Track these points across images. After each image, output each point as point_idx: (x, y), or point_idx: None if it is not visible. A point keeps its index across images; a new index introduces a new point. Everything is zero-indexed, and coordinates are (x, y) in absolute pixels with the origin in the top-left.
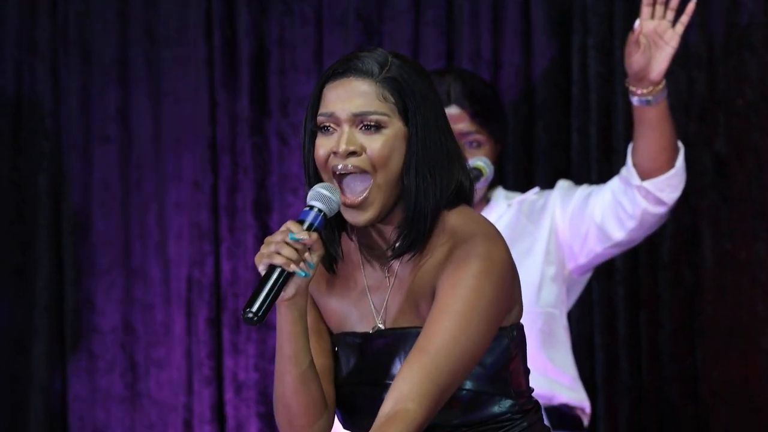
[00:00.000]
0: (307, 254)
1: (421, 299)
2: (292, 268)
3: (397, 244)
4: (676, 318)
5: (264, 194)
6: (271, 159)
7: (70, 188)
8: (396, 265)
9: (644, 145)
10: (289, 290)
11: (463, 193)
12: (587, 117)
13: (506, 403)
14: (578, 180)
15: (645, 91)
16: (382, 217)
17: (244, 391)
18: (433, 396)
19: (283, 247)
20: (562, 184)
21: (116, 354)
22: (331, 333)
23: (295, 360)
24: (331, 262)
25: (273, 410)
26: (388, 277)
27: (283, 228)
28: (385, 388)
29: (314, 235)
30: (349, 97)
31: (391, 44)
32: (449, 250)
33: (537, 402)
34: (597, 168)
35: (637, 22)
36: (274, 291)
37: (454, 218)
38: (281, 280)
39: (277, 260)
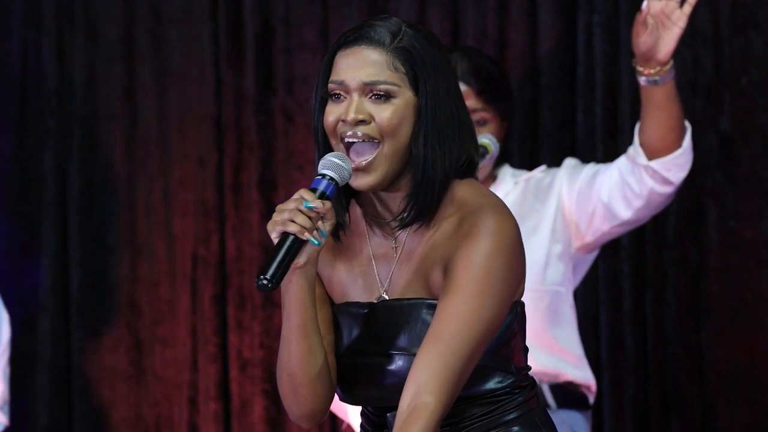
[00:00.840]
0: (320, 222)
1: (430, 270)
2: (306, 236)
3: (404, 214)
4: (682, 297)
5: (269, 172)
6: (276, 137)
7: (76, 166)
8: (403, 235)
9: (651, 125)
10: (301, 258)
11: (473, 166)
12: (592, 96)
13: (506, 379)
14: (584, 159)
15: (652, 71)
16: (388, 185)
17: (249, 368)
18: (451, 383)
19: (297, 214)
20: (569, 162)
21: (121, 331)
22: (332, 304)
23: (303, 329)
24: (337, 229)
25: (277, 382)
26: (395, 248)
27: (295, 196)
28: (389, 358)
29: (327, 204)
30: (360, 65)
31: None
32: (458, 221)
33: (533, 379)
34: (602, 147)
35: (645, 3)
36: (287, 258)
37: (463, 190)
38: (294, 247)
39: (291, 228)
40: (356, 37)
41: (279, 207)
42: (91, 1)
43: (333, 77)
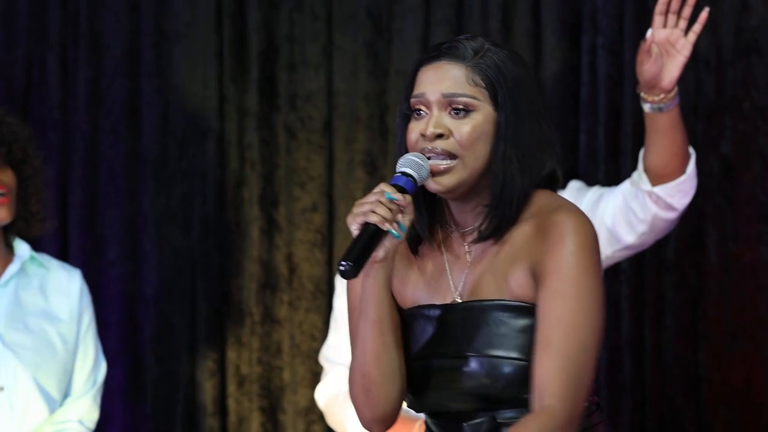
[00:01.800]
0: (399, 215)
1: (509, 271)
2: (387, 226)
3: (482, 228)
4: (680, 320)
5: (270, 188)
6: (278, 153)
7: (78, 179)
8: (478, 240)
9: (656, 151)
10: (380, 251)
11: (555, 179)
12: (596, 118)
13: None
14: (586, 181)
15: (657, 98)
16: (464, 194)
17: (247, 384)
18: (572, 386)
19: (378, 205)
20: (574, 185)
21: (120, 346)
22: (400, 309)
23: (379, 325)
24: (415, 243)
25: (348, 385)
26: (468, 253)
27: (376, 189)
28: (464, 360)
29: (408, 197)
30: (440, 79)
31: (401, 41)
32: (536, 223)
33: (599, 403)
34: (604, 169)
35: (649, 31)
36: (369, 247)
37: (540, 196)
38: (375, 237)
39: (373, 218)
40: (438, 53)
41: (359, 201)
42: (96, 15)
43: (414, 91)
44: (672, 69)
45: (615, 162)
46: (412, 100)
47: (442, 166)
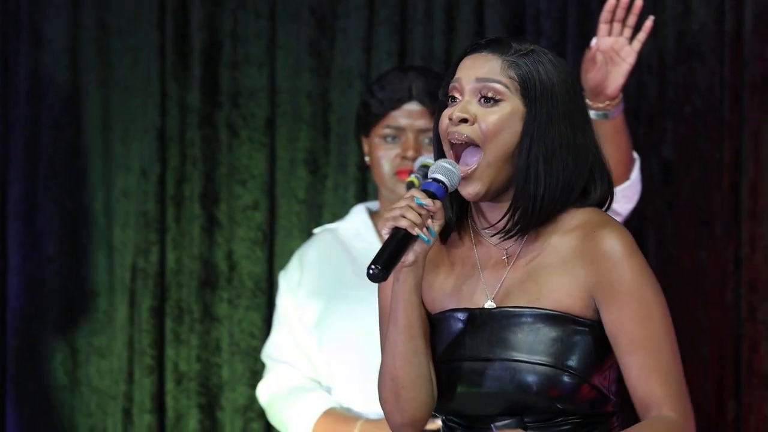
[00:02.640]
0: (429, 221)
1: (551, 282)
2: (416, 231)
3: (505, 225)
4: None
5: (212, 185)
6: (220, 151)
7: (17, 174)
8: (516, 245)
9: None
10: (410, 256)
11: (595, 196)
12: None
13: (605, 401)
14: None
15: (602, 105)
16: (493, 195)
17: (185, 381)
18: (684, 396)
19: (408, 210)
20: None
21: (58, 341)
22: (428, 312)
23: (409, 330)
24: (446, 235)
25: (378, 389)
26: (507, 258)
27: (407, 195)
28: (491, 363)
29: (438, 203)
30: (477, 66)
31: (345, 41)
32: (584, 239)
33: (619, 407)
34: None
35: (594, 39)
36: (398, 251)
37: (586, 212)
38: (405, 241)
39: (402, 223)
40: (482, 45)
41: (390, 206)
42: (37, 8)
43: (454, 78)
44: (617, 76)
45: None
46: (449, 87)
47: (469, 170)
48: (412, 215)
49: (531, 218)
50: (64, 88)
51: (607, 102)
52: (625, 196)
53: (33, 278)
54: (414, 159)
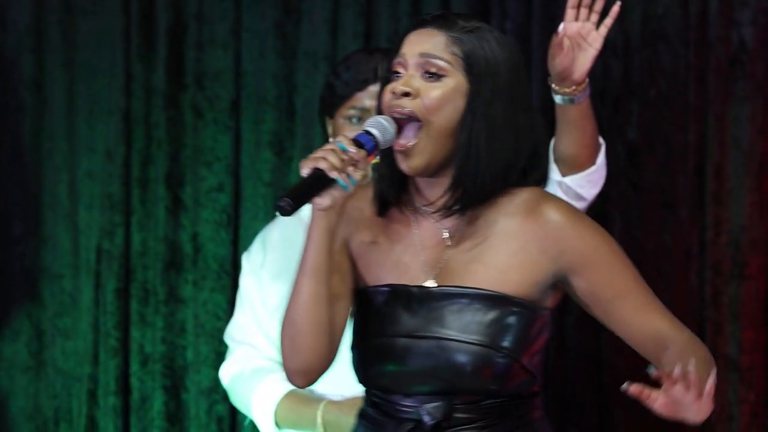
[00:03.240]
0: (350, 168)
1: (499, 263)
2: (334, 174)
3: (446, 201)
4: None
5: (177, 167)
6: (185, 132)
7: None
8: (457, 224)
9: (566, 142)
10: (326, 199)
11: (533, 177)
12: None
13: (533, 383)
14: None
15: (568, 90)
16: (433, 172)
17: (150, 363)
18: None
19: (330, 153)
20: None
21: (22, 322)
22: (365, 287)
23: (313, 274)
24: (382, 204)
25: (280, 334)
26: (449, 237)
27: (335, 139)
28: (427, 341)
29: (362, 152)
30: (421, 41)
31: (310, 23)
32: (524, 217)
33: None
34: None
35: (561, 25)
36: (311, 190)
37: (527, 191)
38: (321, 182)
39: (322, 164)
40: (427, 20)
41: (316, 150)
42: None
43: (398, 54)
44: (583, 62)
45: None
46: (393, 62)
47: (408, 144)
48: (333, 158)
49: (471, 196)
50: (28, 70)
51: (574, 87)
52: (590, 181)
53: None
54: None
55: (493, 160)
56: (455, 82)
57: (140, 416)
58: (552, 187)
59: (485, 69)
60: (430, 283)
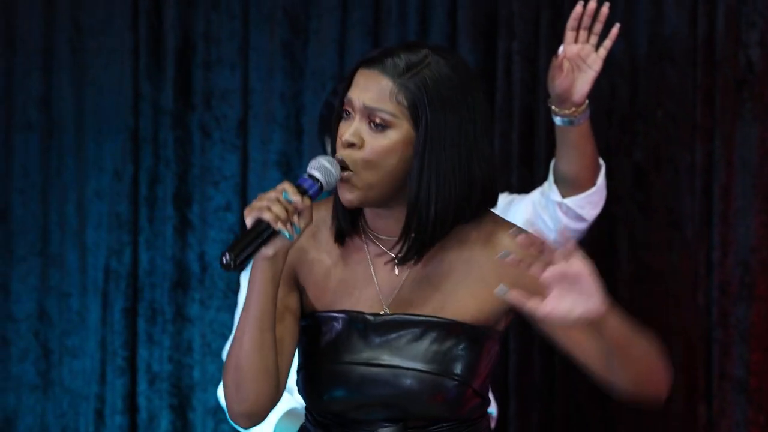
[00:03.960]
0: (296, 217)
1: (454, 292)
2: (279, 226)
3: (402, 253)
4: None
5: (184, 186)
6: (193, 152)
7: None
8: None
9: (566, 163)
10: (270, 249)
11: (490, 199)
12: (510, 123)
13: (482, 406)
14: (499, 184)
15: (568, 111)
16: (377, 204)
17: (158, 382)
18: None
19: (275, 203)
20: None
21: (30, 341)
22: (315, 311)
23: (259, 321)
24: (341, 235)
25: (222, 376)
26: (396, 266)
27: (278, 187)
28: (380, 369)
29: (307, 201)
30: (367, 88)
31: (318, 42)
32: (480, 247)
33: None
34: (518, 174)
35: (561, 47)
36: (256, 243)
37: (483, 218)
38: (265, 235)
39: (266, 215)
40: (375, 59)
41: (260, 195)
42: (11, 8)
43: (348, 93)
44: (583, 84)
45: (528, 167)
46: (345, 100)
47: (347, 174)
48: (277, 209)
49: (424, 244)
50: (37, 88)
51: (573, 109)
52: (591, 202)
53: (4, 278)
54: None
55: (443, 206)
56: (401, 133)
57: None
58: (551, 209)
59: (432, 113)
60: (384, 311)
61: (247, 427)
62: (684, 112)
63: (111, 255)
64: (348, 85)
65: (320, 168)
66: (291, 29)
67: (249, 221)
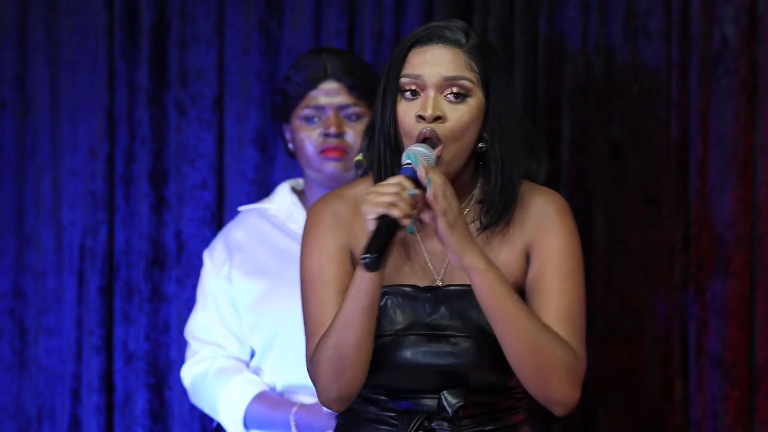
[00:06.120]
0: (415, 211)
1: (498, 260)
2: (406, 222)
3: (486, 217)
4: None
5: (160, 165)
6: (168, 130)
7: None
8: None
9: None
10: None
11: (540, 174)
12: None
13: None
14: None
15: None
16: (453, 178)
17: (134, 361)
18: (583, 345)
19: (400, 199)
20: None
21: (5, 320)
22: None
23: (369, 311)
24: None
25: (315, 362)
26: (480, 232)
27: (394, 181)
28: (440, 339)
29: (422, 192)
30: (439, 62)
31: (293, 20)
32: (520, 212)
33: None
34: None
35: None
36: (390, 239)
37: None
38: (394, 229)
39: (395, 212)
40: (430, 35)
41: (375, 189)
42: None
43: (408, 71)
44: None
45: None
46: (404, 80)
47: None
48: (404, 205)
49: (510, 204)
50: (12, 67)
51: None
52: None
53: None
54: (336, 135)
55: (521, 168)
56: (477, 99)
57: (124, 414)
58: None
59: (497, 78)
60: (437, 283)
61: (340, 410)
62: (659, 89)
63: (86, 234)
64: (400, 66)
65: (423, 156)
66: (266, 7)
67: (371, 216)
